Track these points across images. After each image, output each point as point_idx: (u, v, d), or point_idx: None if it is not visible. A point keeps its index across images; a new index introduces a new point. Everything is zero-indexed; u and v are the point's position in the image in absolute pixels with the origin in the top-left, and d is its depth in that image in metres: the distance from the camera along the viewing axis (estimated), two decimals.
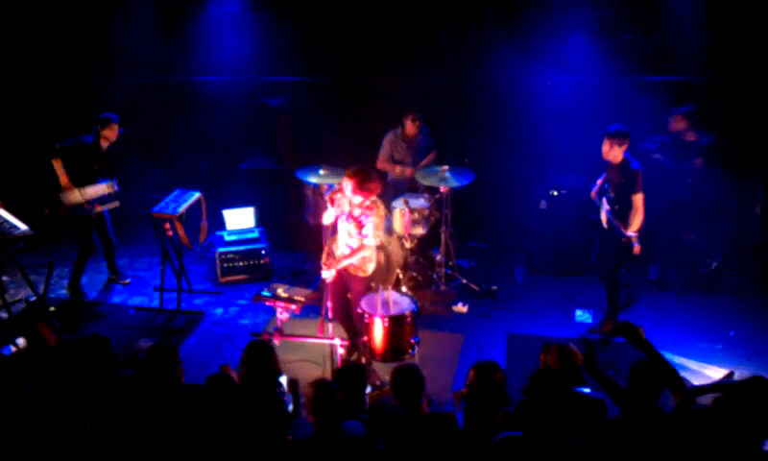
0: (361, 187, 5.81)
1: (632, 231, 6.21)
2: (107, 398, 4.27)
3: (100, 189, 7.35)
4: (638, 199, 6.26)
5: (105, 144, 7.38)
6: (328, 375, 6.04)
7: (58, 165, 7.16)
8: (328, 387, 3.98)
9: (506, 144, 8.46)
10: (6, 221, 6.85)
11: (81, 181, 7.24)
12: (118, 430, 4.07)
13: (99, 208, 7.42)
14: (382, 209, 6.04)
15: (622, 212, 6.34)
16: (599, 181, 6.65)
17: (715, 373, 6.12)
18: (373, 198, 5.96)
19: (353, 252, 6.01)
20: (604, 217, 6.50)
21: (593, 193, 6.72)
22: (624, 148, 6.34)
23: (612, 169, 6.47)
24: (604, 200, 6.49)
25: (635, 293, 7.43)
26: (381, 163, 8.09)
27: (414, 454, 3.88)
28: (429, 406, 4.43)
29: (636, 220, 6.26)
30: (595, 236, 6.93)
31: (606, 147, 6.36)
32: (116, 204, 7.54)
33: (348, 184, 5.83)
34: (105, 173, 7.44)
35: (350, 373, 4.66)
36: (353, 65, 9.05)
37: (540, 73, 8.46)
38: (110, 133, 7.34)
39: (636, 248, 6.14)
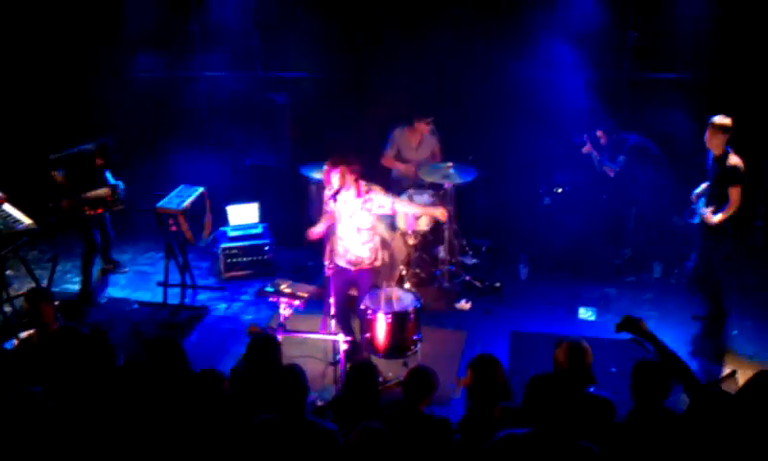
0: (353, 173, 5.78)
1: (715, 217, 6.17)
2: (109, 391, 4.27)
3: (100, 193, 7.34)
4: (734, 192, 6.18)
5: (99, 163, 7.41)
6: (330, 371, 6.06)
7: (56, 178, 7.16)
8: (295, 371, 3.96)
9: (510, 141, 8.42)
10: (10, 215, 6.87)
11: (84, 187, 7.25)
12: (124, 425, 4.07)
13: (100, 211, 7.42)
14: (376, 187, 5.98)
15: (714, 203, 6.29)
16: (704, 185, 6.55)
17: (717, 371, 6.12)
18: (365, 184, 5.91)
19: (424, 209, 6.57)
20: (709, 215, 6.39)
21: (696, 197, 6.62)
22: (726, 139, 6.21)
23: (711, 162, 6.39)
24: (704, 199, 6.45)
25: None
26: (387, 160, 8.02)
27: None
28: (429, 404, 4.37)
29: (729, 210, 6.19)
30: (693, 243, 6.75)
31: (708, 135, 6.25)
32: (120, 206, 7.55)
33: (337, 176, 5.76)
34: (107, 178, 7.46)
35: (360, 371, 4.55)
36: (359, 61, 9.04)
37: (544, 70, 8.43)
38: (101, 161, 7.37)
39: (712, 218, 6.18)
